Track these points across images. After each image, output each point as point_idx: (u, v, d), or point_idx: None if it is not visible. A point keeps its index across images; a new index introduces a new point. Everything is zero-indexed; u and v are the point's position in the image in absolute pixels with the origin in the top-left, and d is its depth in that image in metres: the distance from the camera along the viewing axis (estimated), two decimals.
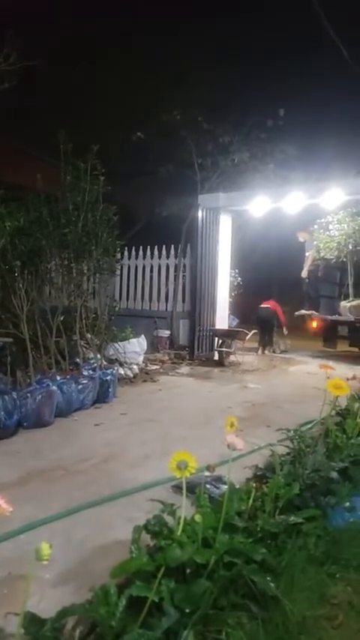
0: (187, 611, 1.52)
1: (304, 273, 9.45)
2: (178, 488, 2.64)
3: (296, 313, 9.67)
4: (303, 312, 9.54)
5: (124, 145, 9.52)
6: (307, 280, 9.55)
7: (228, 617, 1.56)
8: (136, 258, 9.66)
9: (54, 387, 4.25)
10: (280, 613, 1.62)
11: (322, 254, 9.15)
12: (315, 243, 9.23)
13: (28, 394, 4.01)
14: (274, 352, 9.54)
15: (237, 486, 2.49)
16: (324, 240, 9.05)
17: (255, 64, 10.25)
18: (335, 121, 9.85)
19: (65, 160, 5.04)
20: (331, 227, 8.98)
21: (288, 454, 2.96)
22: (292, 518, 2.02)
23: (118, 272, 8.66)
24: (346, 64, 8.45)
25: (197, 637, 1.49)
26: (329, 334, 9.45)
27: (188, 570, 1.68)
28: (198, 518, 1.79)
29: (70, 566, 2.05)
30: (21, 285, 4.40)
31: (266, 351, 9.46)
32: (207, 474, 2.72)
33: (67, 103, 9.69)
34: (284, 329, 9.73)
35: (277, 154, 9.74)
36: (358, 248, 8.70)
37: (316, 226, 9.26)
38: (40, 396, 4.05)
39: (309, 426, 3.87)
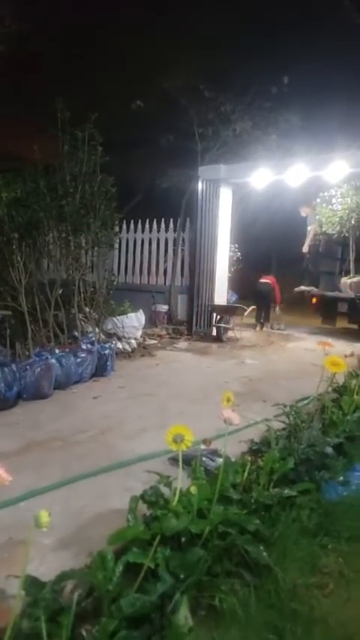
0: (182, 577, 1.56)
1: (305, 248, 9.39)
2: (174, 461, 2.69)
3: (296, 289, 9.64)
4: (303, 288, 9.51)
5: (124, 114, 9.27)
6: (307, 255, 9.49)
7: (221, 583, 1.61)
8: (135, 231, 9.56)
9: (53, 360, 4.27)
10: (272, 581, 1.67)
11: (324, 229, 9.06)
12: (317, 217, 9.12)
13: (28, 367, 4.03)
14: (271, 328, 9.53)
15: (232, 459, 2.54)
16: (326, 214, 8.94)
17: (258, 30, 9.92)
18: (340, 91, 9.60)
19: (63, 129, 4.93)
20: (334, 201, 8.86)
21: (284, 429, 3.00)
22: (287, 491, 2.07)
23: (117, 246, 8.60)
24: (351, 31, 8.18)
25: (191, 602, 1.54)
26: (328, 311, 9.45)
27: (183, 539, 1.72)
28: (193, 489, 1.82)
29: (68, 532, 2.10)
30: (19, 258, 4.36)
31: (264, 328, 9.42)
32: (203, 447, 2.77)
33: (65, 71, 9.40)
34: (278, 307, 9.68)
35: (281, 124, 9.51)
36: None
37: (318, 200, 9.14)
38: (39, 369, 4.07)
39: (305, 402, 3.91)
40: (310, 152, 7.43)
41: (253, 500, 2.02)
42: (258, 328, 9.24)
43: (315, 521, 2.05)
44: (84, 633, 1.38)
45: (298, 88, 9.50)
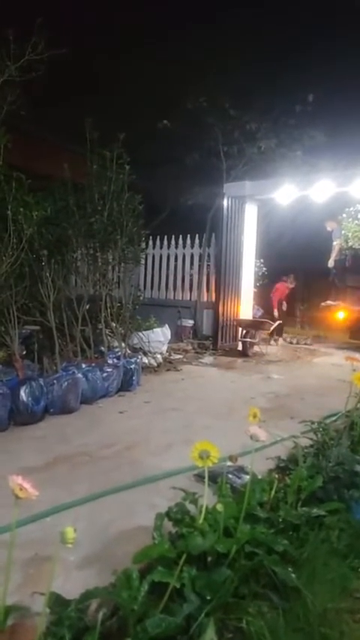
0: (208, 598, 1.53)
1: (331, 263, 9.29)
2: (200, 477, 2.66)
3: (322, 304, 9.51)
4: (329, 302, 9.38)
5: (150, 133, 9.46)
6: (334, 270, 9.37)
7: (249, 606, 1.57)
8: (161, 247, 9.66)
9: (79, 375, 4.32)
10: (301, 604, 1.62)
11: (350, 243, 8.95)
12: (343, 232, 9.03)
13: (55, 381, 4.08)
14: (297, 343, 9.42)
15: (259, 477, 2.49)
16: (352, 229, 8.85)
17: (283, 49, 10.02)
18: None
19: (91, 148, 5.05)
20: None
21: (311, 446, 2.93)
22: (315, 511, 2.02)
23: (143, 261, 8.70)
24: None
25: (218, 624, 1.50)
26: (356, 326, 9.27)
27: (209, 558, 1.70)
28: (220, 507, 1.80)
29: (93, 549, 2.09)
30: (48, 274, 4.46)
31: (280, 341, 9.43)
32: (229, 464, 2.73)
33: (93, 92, 9.70)
34: (275, 311, 9.69)
35: (306, 141, 9.52)
36: None
37: (344, 215, 9.05)
38: (65, 383, 4.12)
39: (333, 418, 3.83)
40: (336, 168, 7.40)
41: (280, 520, 1.98)
42: (274, 342, 9.28)
43: (345, 542, 1.99)
44: None
45: (323, 105, 9.51)
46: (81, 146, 5.13)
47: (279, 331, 9.43)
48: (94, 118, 5.08)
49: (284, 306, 9.82)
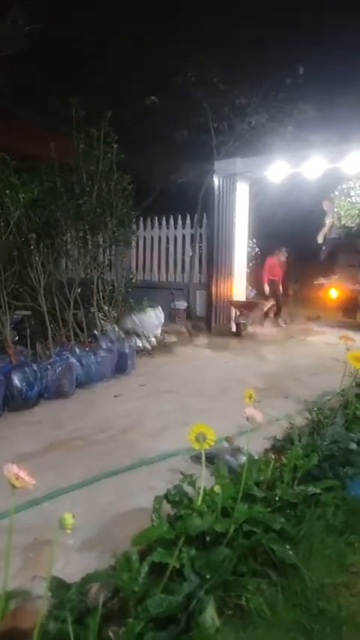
0: (208, 577, 1.55)
1: (320, 239, 9.28)
2: (196, 459, 2.68)
3: (316, 281, 9.49)
4: (322, 280, 9.37)
5: (138, 111, 9.25)
6: (323, 247, 9.36)
7: (247, 583, 1.59)
8: (152, 228, 9.55)
9: (73, 360, 4.30)
10: (299, 580, 1.65)
11: (343, 222, 8.91)
12: (336, 210, 8.98)
13: (48, 366, 4.07)
14: (287, 323, 9.34)
15: (255, 457, 2.51)
16: (345, 207, 8.79)
17: (273, 21, 9.78)
18: (357, 79, 9.38)
19: (77, 127, 4.94)
20: (352, 193, 8.70)
21: (306, 426, 2.96)
22: (311, 489, 2.03)
23: (134, 243, 8.61)
24: None
25: (217, 601, 1.52)
26: (349, 304, 9.29)
27: (208, 538, 1.71)
28: (217, 488, 1.81)
29: (92, 532, 2.11)
30: (37, 258, 4.40)
31: (280, 322, 9.14)
32: (226, 445, 2.75)
33: (78, 69, 9.43)
34: (266, 286, 9.28)
35: (297, 115, 9.36)
36: None
37: (337, 192, 8.99)
38: (59, 368, 4.11)
39: (327, 397, 3.85)
40: (327, 144, 7.29)
41: (277, 498, 2.00)
42: (275, 323, 9.04)
43: (341, 519, 2.02)
44: (111, 634, 1.38)
45: (314, 78, 9.33)
46: (68, 125, 5.01)
47: (278, 312, 9.24)
48: (81, 96, 4.95)
49: (280, 289, 9.46)
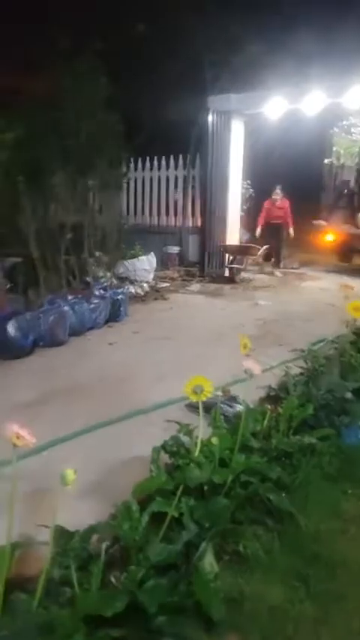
0: (206, 525, 1.60)
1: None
2: (192, 407, 2.70)
3: (314, 222, 9.23)
4: (321, 222, 9.13)
5: (127, 42, 8.61)
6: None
7: (245, 530, 1.64)
8: (143, 169, 9.18)
9: (66, 307, 4.25)
10: (295, 526, 1.70)
11: (342, 161, 8.57)
12: (335, 148, 8.61)
13: (41, 314, 4.02)
14: (284, 267, 9.16)
15: (251, 406, 2.54)
16: (344, 145, 8.44)
17: None
18: (359, 7, 8.72)
19: (63, 60, 4.59)
20: (353, 130, 8.32)
21: (301, 374, 2.98)
22: (307, 438, 2.07)
23: (125, 186, 8.31)
24: None
25: (216, 548, 1.57)
26: (344, 248, 9.16)
27: (206, 488, 1.75)
28: (215, 440, 1.83)
29: (93, 480, 2.14)
30: (26, 202, 4.22)
31: (278, 271, 8.53)
32: (221, 394, 2.77)
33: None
34: (291, 230, 8.61)
35: (295, 46, 8.75)
36: None
37: (336, 129, 8.60)
38: (52, 317, 4.07)
39: (321, 344, 3.87)
40: (327, 77, 6.87)
41: (273, 448, 2.04)
42: (271, 270, 8.53)
43: (335, 467, 2.07)
44: (113, 580, 1.43)
45: (312, 7, 8.65)
46: (51, 58, 4.66)
47: (275, 258, 8.65)
48: (65, 25, 4.57)
49: (284, 234, 8.59)
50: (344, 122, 8.44)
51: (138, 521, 1.56)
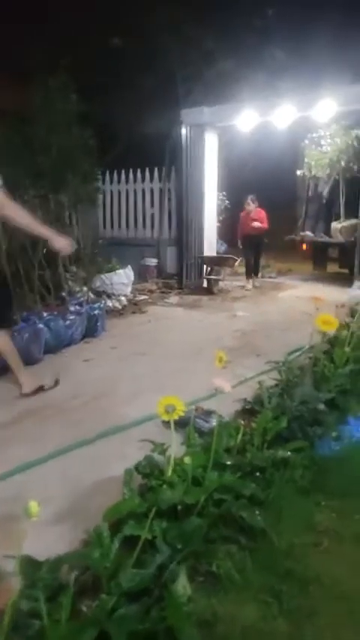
0: (179, 547, 1.58)
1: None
2: (169, 423, 2.69)
3: (286, 237, 9.42)
4: (294, 236, 9.31)
5: (100, 56, 8.67)
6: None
7: (218, 549, 1.63)
8: (119, 182, 9.20)
9: (41, 325, 4.20)
10: (268, 543, 1.70)
11: (313, 172, 8.76)
12: (306, 161, 8.80)
13: (15, 333, 3.95)
14: (261, 277, 9.16)
15: (227, 419, 2.54)
16: (315, 157, 8.63)
17: None
18: (328, 23, 8.96)
19: (33, 76, 4.59)
20: (322, 142, 8.52)
21: (276, 385, 2.99)
22: (280, 452, 2.07)
23: (101, 199, 8.30)
24: None
25: (189, 570, 1.56)
26: (319, 256, 9.34)
27: (179, 508, 1.73)
28: (187, 459, 1.81)
29: (66, 504, 2.11)
30: None
31: (256, 282, 8.24)
32: (195, 410, 2.77)
33: (35, 12, 8.64)
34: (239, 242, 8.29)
35: (267, 60, 8.97)
36: (350, 164, 8.33)
37: (307, 141, 8.79)
38: (27, 335, 4.01)
39: (297, 354, 3.91)
40: (297, 91, 7.04)
41: (247, 463, 2.03)
42: (250, 284, 8.06)
43: (309, 479, 2.08)
44: (84, 609, 1.40)
45: (283, 23, 8.87)
46: (22, 73, 4.66)
47: (256, 268, 8.27)
48: (37, 42, 4.58)
49: (260, 244, 8.26)
50: (314, 134, 8.61)
51: (109, 547, 1.54)
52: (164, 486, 1.74)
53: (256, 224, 7.83)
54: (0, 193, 2.92)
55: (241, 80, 8.90)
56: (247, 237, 8.15)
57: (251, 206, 7.99)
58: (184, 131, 7.75)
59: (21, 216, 3.02)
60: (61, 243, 3.17)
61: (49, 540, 1.78)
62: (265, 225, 7.94)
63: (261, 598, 1.52)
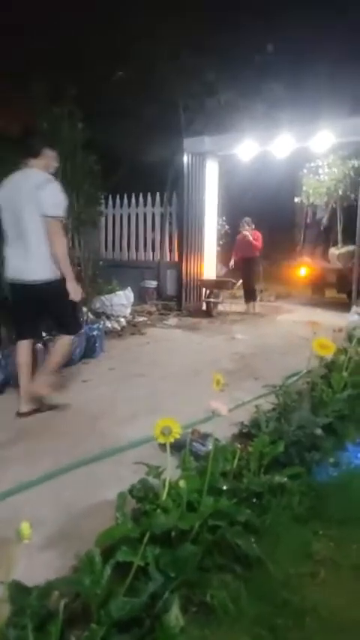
0: (173, 575, 1.54)
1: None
2: (165, 446, 2.66)
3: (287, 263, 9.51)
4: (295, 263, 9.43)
5: (105, 86, 8.92)
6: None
7: (212, 578, 1.59)
8: (121, 206, 9.34)
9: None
10: (264, 572, 1.66)
11: (311, 200, 8.93)
12: (304, 189, 8.98)
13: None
14: (260, 300, 9.15)
15: (224, 442, 2.51)
16: (313, 185, 8.80)
17: None
18: (326, 57, 9.28)
19: (40, 105, 4.70)
20: (320, 172, 8.71)
21: (274, 409, 2.97)
22: (277, 478, 2.04)
23: (103, 222, 8.41)
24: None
25: (182, 599, 1.52)
26: (318, 282, 9.41)
27: (173, 534, 1.70)
28: (182, 483, 1.79)
29: (59, 527, 2.07)
30: None
31: (256, 307, 8.23)
32: (191, 434, 2.73)
33: (42, 41, 8.94)
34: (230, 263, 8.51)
35: (266, 93, 9.24)
36: (347, 193, 8.49)
37: (305, 171, 8.98)
38: None
39: (295, 378, 3.89)
40: (295, 123, 7.24)
41: (243, 488, 2.00)
42: (250, 308, 8.10)
43: (306, 506, 2.04)
44: (73, 639, 1.35)
45: (283, 57, 9.19)
46: (30, 102, 4.78)
47: (252, 294, 8.27)
48: (45, 69, 4.72)
49: (256, 269, 8.36)
50: (312, 164, 8.82)
51: (100, 573, 1.50)
52: (158, 511, 1.70)
53: (249, 237, 8.03)
54: (57, 221, 3.17)
55: (242, 111, 9.15)
56: (242, 260, 8.33)
57: (247, 229, 8.14)
58: (185, 159, 7.92)
59: (59, 247, 3.18)
60: (75, 290, 3.26)
61: (39, 566, 1.74)
62: (259, 244, 8.07)
63: (255, 630, 1.47)
